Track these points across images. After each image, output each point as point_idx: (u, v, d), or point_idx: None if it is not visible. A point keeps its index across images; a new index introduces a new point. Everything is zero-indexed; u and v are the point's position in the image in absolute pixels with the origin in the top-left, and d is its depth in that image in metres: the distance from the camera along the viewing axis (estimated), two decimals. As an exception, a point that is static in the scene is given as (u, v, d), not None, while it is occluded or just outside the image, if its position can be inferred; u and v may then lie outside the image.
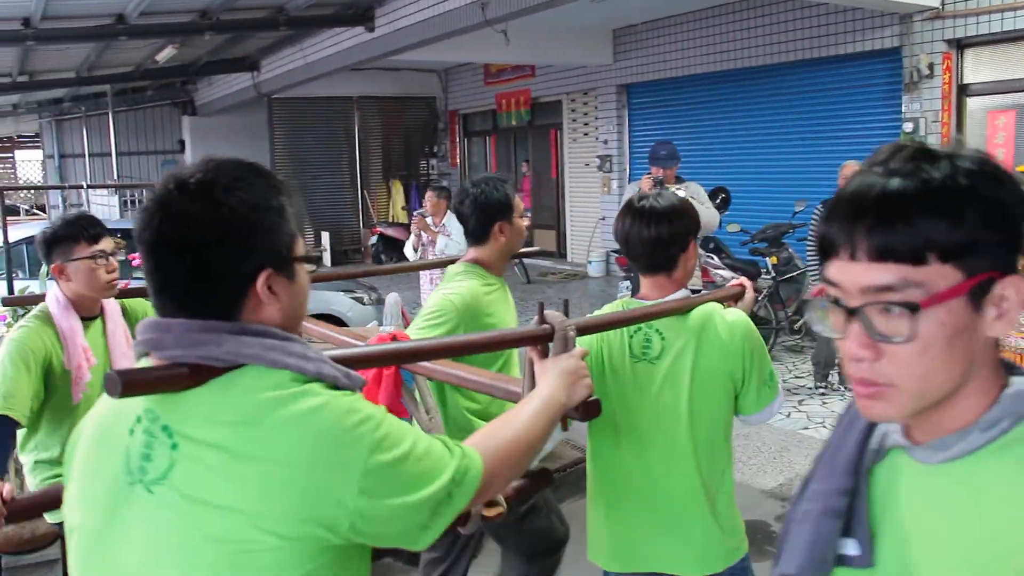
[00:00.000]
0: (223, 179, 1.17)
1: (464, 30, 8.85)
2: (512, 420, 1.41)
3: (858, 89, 9.08)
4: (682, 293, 2.31)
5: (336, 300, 7.43)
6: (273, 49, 12.93)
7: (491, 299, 2.76)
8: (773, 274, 7.45)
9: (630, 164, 12.42)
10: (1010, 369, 0.93)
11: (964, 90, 8.10)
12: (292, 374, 1.15)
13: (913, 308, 0.85)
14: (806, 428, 5.71)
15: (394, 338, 2.27)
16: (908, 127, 8.20)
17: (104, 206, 13.88)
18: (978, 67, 8.03)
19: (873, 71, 8.86)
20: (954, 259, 0.85)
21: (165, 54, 11.93)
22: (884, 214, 0.86)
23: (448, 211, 7.23)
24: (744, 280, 2.45)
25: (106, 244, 2.71)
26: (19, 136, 21.93)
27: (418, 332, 2.56)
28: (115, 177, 16.46)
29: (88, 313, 2.77)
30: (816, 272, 5.29)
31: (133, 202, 15.07)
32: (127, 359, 2.81)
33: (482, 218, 2.80)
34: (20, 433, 2.74)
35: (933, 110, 8.08)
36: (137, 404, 1.17)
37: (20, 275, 7.09)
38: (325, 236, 15.20)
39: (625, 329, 2.26)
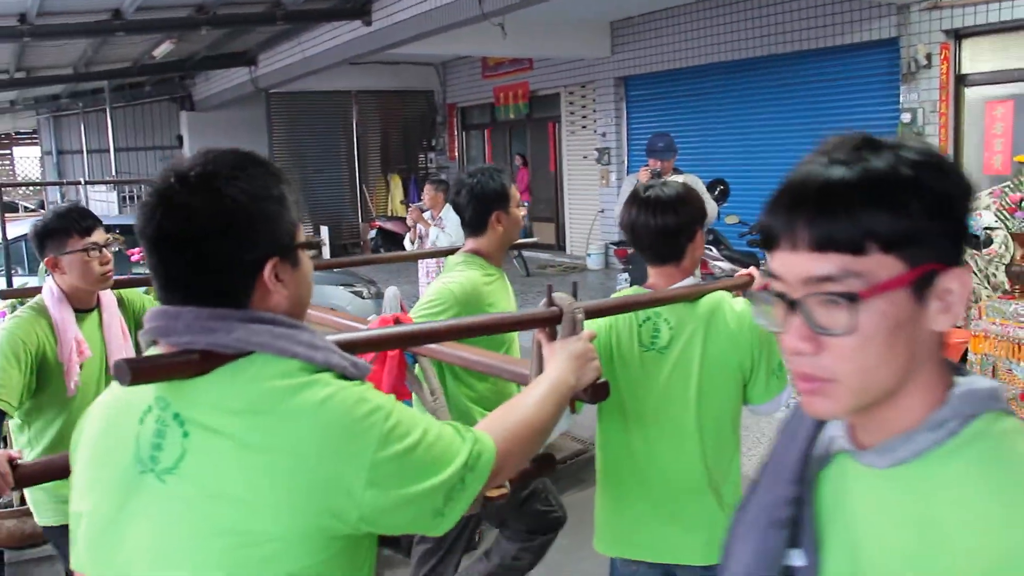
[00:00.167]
0: (223, 170, 1.17)
1: (461, 23, 8.83)
2: (522, 403, 1.42)
3: (856, 80, 9.07)
4: (690, 281, 2.31)
5: (335, 294, 7.44)
6: (270, 44, 12.91)
7: (491, 289, 2.76)
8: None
9: (628, 156, 12.41)
10: (954, 370, 0.91)
11: (962, 80, 8.08)
12: (301, 363, 1.15)
13: (853, 298, 0.83)
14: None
15: (397, 321, 2.27)
16: (906, 117, 8.19)
17: (103, 202, 13.87)
18: (976, 57, 8.01)
19: (871, 61, 8.85)
20: (896, 249, 0.83)
21: (162, 49, 11.91)
22: (825, 203, 0.85)
23: (446, 204, 7.23)
24: (753, 270, 2.45)
25: (98, 236, 2.70)
26: (17, 133, 21.90)
27: (417, 319, 2.56)
28: (113, 173, 16.45)
29: (84, 305, 2.77)
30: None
31: (132, 198, 15.05)
32: (123, 351, 2.80)
33: (479, 208, 2.79)
34: (13, 425, 2.74)
35: (931, 100, 8.07)
36: (148, 392, 1.16)
37: (19, 271, 7.09)
38: (324, 230, 15.19)
39: (634, 318, 2.26)
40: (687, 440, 2.22)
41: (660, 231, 2.25)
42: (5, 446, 2.72)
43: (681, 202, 2.26)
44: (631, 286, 2.63)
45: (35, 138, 20.17)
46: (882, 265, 0.83)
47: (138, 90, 17.17)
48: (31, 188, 20.75)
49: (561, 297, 1.70)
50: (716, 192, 7.42)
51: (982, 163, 8.08)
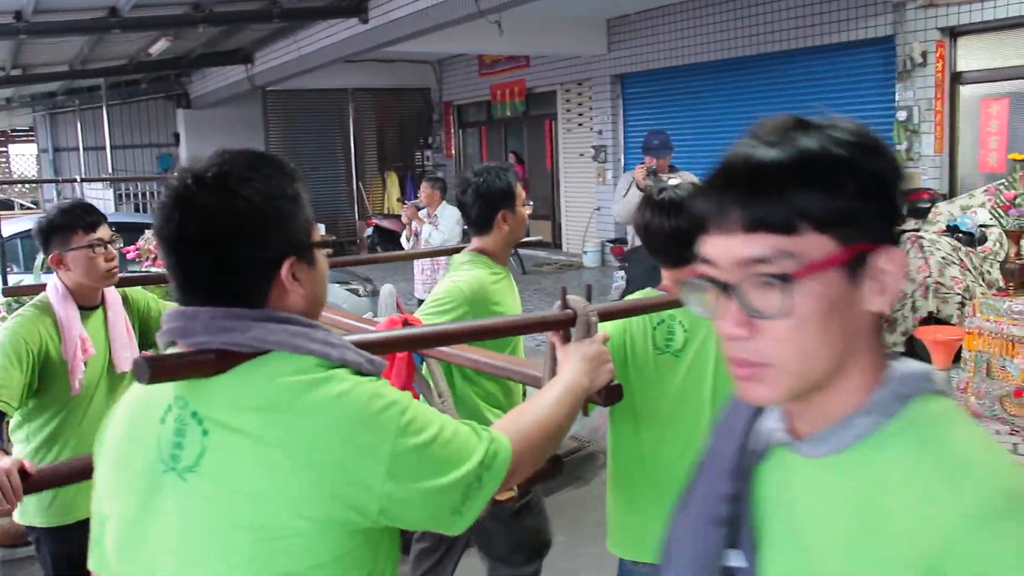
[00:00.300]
0: (239, 171, 1.18)
1: (458, 21, 8.83)
2: (537, 404, 1.42)
3: (852, 77, 9.08)
4: None
5: (332, 292, 7.43)
6: (267, 41, 12.89)
7: (498, 288, 2.76)
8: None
9: (625, 154, 12.41)
10: (888, 354, 0.90)
11: (957, 78, 8.10)
12: (317, 359, 1.16)
13: (787, 279, 0.81)
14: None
15: (405, 322, 2.26)
16: (902, 115, 8.21)
17: (99, 199, 13.85)
18: (971, 55, 8.03)
19: (867, 59, 8.86)
20: (829, 229, 0.82)
21: (158, 47, 11.89)
22: (756, 184, 0.84)
23: (442, 202, 7.24)
24: None
25: (103, 232, 2.69)
26: (13, 130, 21.87)
27: (426, 318, 2.56)
28: (110, 170, 16.42)
29: (89, 303, 2.75)
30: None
31: (128, 195, 15.04)
32: (127, 349, 2.79)
33: (485, 207, 2.79)
34: (12, 421, 2.72)
35: (927, 98, 8.09)
36: (167, 392, 1.17)
37: (15, 269, 7.09)
38: (321, 228, 15.12)
39: (648, 321, 2.25)
40: (701, 443, 2.21)
41: (674, 233, 2.24)
42: (2, 442, 2.71)
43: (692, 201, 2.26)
44: (627, 284, 2.63)
45: (31, 135, 20.13)
46: (815, 245, 0.82)
47: (134, 87, 17.14)
48: (27, 185, 20.71)
49: (575, 300, 1.71)
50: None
51: (977, 161, 8.10)
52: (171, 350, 1.21)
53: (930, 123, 8.09)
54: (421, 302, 7.26)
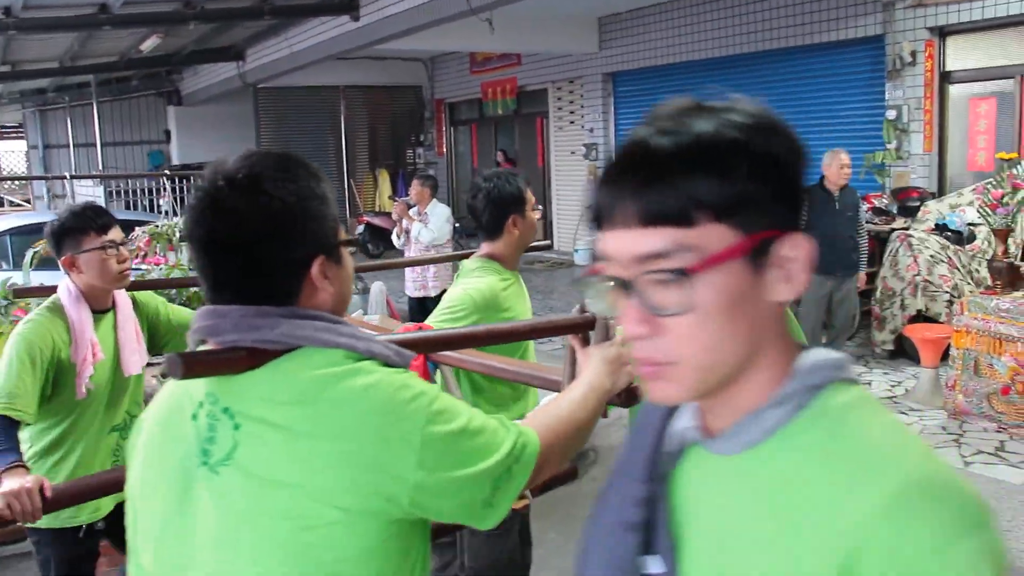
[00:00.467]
0: (269, 172, 1.19)
1: (449, 18, 8.84)
2: (561, 404, 1.43)
3: (842, 76, 9.12)
4: None
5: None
6: (258, 38, 12.88)
7: (508, 294, 2.76)
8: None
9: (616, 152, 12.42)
10: (799, 345, 0.88)
11: (946, 77, 8.14)
12: (345, 352, 1.17)
13: (686, 274, 0.78)
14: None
15: (419, 330, 2.26)
16: (891, 114, 8.25)
17: (89, 197, 13.80)
18: (960, 55, 8.07)
19: (857, 59, 8.90)
20: (728, 218, 0.78)
21: (149, 44, 11.87)
22: (649, 174, 0.79)
23: (432, 199, 7.25)
24: None
25: (115, 234, 2.67)
26: (2, 127, 21.74)
27: (439, 325, 2.55)
28: (100, 168, 16.37)
29: (100, 306, 2.73)
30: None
31: (118, 193, 14.99)
32: (136, 353, 2.78)
33: (495, 212, 2.78)
34: None
35: (916, 97, 8.13)
36: (198, 390, 1.19)
37: (3, 266, 7.07)
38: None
39: None
40: None
41: None
42: (21, 456, 2.70)
43: None
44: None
45: (20, 132, 20.03)
46: (715, 236, 0.78)
47: (125, 84, 17.09)
48: (17, 183, 20.62)
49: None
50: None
51: (966, 160, 8.15)
52: (201, 348, 1.22)
53: (919, 122, 8.13)
54: (412, 300, 7.33)
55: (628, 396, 1.64)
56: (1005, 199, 5.70)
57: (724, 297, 0.79)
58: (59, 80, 15.52)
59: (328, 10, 10.27)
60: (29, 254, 5.36)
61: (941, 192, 7.93)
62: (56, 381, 2.61)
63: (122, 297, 2.81)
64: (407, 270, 7.40)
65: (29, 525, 2.71)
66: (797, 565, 0.76)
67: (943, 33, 8.04)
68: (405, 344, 1.59)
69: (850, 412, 0.81)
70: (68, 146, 17.79)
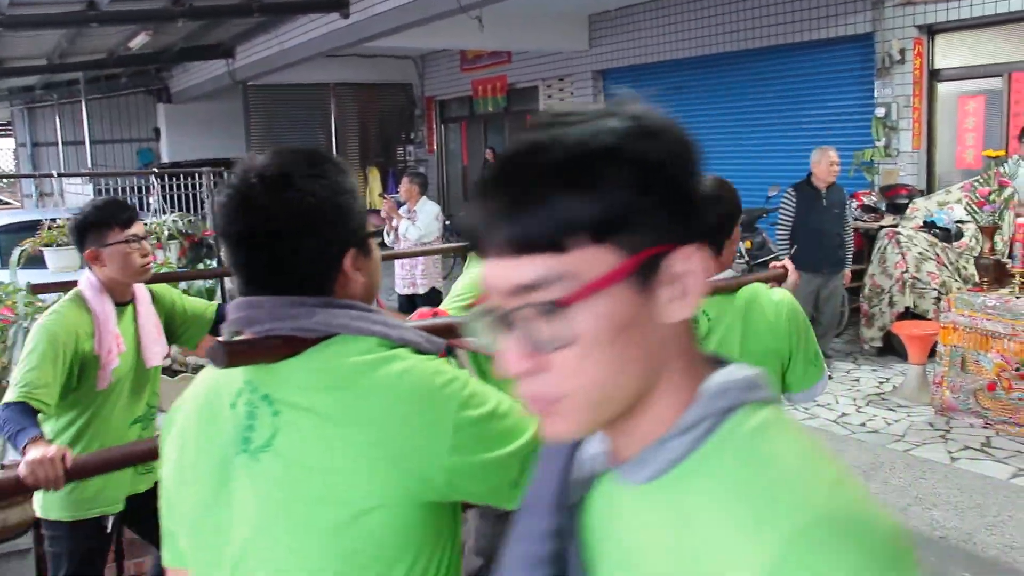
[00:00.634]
0: (301, 169, 1.22)
1: (439, 16, 8.83)
2: None
3: (831, 74, 9.14)
4: (728, 274, 2.36)
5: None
6: (248, 36, 12.83)
7: None
8: (747, 258, 7.52)
9: (606, 150, 12.43)
10: (716, 362, 0.81)
11: (935, 75, 8.17)
12: (378, 340, 1.20)
13: (561, 305, 0.70)
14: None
15: (435, 316, 2.28)
16: (880, 112, 8.27)
17: (78, 195, 13.74)
18: (948, 53, 8.10)
19: (846, 56, 8.92)
20: (607, 237, 0.71)
21: (138, 41, 11.82)
22: (515, 195, 0.71)
23: (421, 197, 7.24)
24: (787, 262, 2.52)
25: (138, 228, 2.72)
26: (-10, 124, 21.66)
27: (453, 311, 2.59)
28: (89, 166, 16.30)
29: (120, 299, 2.76)
30: (785, 257, 5.33)
31: (107, 191, 14.93)
32: (157, 344, 2.83)
33: None
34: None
35: (905, 95, 8.16)
36: (236, 379, 1.21)
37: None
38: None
39: None
40: None
41: None
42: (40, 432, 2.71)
43: (718, 199, 2.30)
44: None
45: (8, 130, 19.94)
46: (593, 259, 0.71)
47: (114, 82, 17.01)
48: (5, 181, 20.53)
49: None
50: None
51: (954, 157, 8.18)
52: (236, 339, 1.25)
53: (908, 120, 8.16)
54: (401, 298, 7.32)
55: None
56: (992, 196, 5.73)
57: (609, 325, 0.71)
58: (47, 77, 15.44)
59: (318, 7, 10.25)
60: (16, 252, 5.34)
61: (929, 189, 7.96)
62: (79, 372, 2.64)
63: (141, 290, 2.86)
64: (396, 268, 7.39)
65: (47, 518, 2.73)
66: None
67: (932, 31, 8.07)
68: (430, 329, 1.60)
69: (760, 438, 0.74)
70: (57, 144, 17.71)
